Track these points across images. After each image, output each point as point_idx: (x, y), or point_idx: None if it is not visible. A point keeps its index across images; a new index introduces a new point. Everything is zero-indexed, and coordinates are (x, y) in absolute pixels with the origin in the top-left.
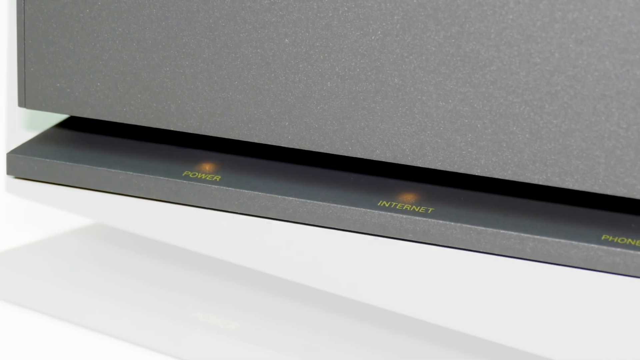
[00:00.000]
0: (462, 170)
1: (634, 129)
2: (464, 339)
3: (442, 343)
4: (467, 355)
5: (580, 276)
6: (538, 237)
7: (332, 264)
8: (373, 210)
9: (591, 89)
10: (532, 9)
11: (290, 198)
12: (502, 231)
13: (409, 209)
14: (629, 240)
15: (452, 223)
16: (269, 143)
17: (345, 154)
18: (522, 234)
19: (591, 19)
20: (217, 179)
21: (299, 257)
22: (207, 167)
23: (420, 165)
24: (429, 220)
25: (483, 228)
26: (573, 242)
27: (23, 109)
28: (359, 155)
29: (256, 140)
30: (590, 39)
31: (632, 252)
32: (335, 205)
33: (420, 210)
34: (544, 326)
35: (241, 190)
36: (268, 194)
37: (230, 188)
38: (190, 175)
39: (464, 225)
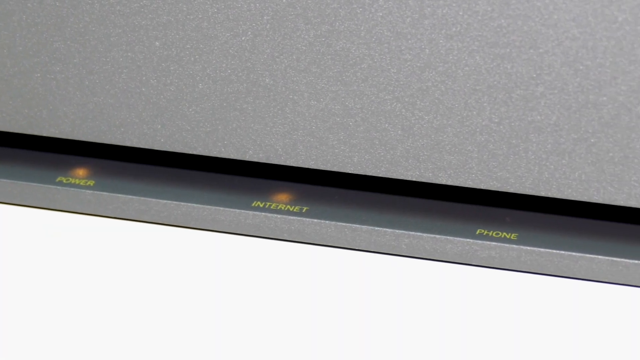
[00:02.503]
0: (335, 169)
1: (506, 123)
2: (342, 337)
3: (318, 343)
4: (340, 355)
5: (457, 271)
6: (413, 233)
7: (208, 266)
8: (247, 211)
9: (462, 84)
10: (402, 5)
11: (165, 201)
12: (377, 228)
13: (283, 208)
14: (504, 233)
15: (327, 222)
16: (142, 146)
17: (218, 155)
18: (397, 231)
19: (461, 14)
20: (91, 184)
21: (173, 260)
22: (81, 172)
23: (293, 165)
24: (304, 219)
25: (358, 226)
26: (448, 237)
27: None
28: (232, 156)
29: (129, 144)
30: (460, 34)
31: (507, 245)
32: (209, 207)
33: (294, 210)
34: (420, 322)
35: (115, 194)
36: (142, 198)
37: (104, 193)
38: (64, 181)
39: (339, 223)
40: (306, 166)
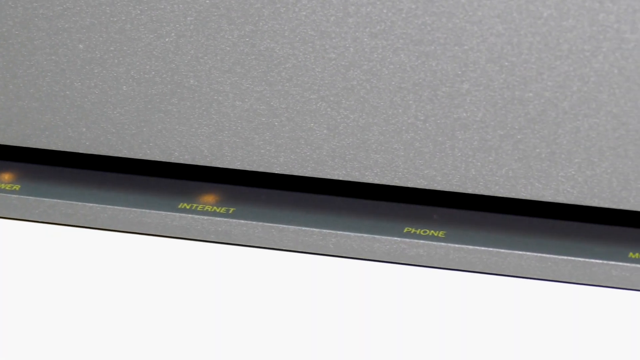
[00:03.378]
0: (261, 169)
1: (432, 121)
2: (270, 338)
3: (246, 343)
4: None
5: (385, 270)
6: (340, 232)
7: (135, 269)
8: (174, 213)
9: (387, 82)
10: (326, 4)
11: (91, 204)
12: (304, 228)
13: (209, 210)
14: (432, 231)
15: (254, 222)
16: (67, 150)
17: (144, 157)
18: (324, 230)
19: (385, 12)
20: (17, 189)
21: (99, 264)
22: (6, 176)
23: (219, 166)
24: (230, 220)
25: (284, 226)
26: (376, 236)
27: None
28: (157, 158)
29: (54, 148)
30: (384, 32)
31: (434, 243)
32: (136, 209)
33: (221, 211)
34: (347, 322)
35: (41, 198)
36: (68, 202)
37: (30, 197)
38: None
39: (266, 224)
40: (232, 167)
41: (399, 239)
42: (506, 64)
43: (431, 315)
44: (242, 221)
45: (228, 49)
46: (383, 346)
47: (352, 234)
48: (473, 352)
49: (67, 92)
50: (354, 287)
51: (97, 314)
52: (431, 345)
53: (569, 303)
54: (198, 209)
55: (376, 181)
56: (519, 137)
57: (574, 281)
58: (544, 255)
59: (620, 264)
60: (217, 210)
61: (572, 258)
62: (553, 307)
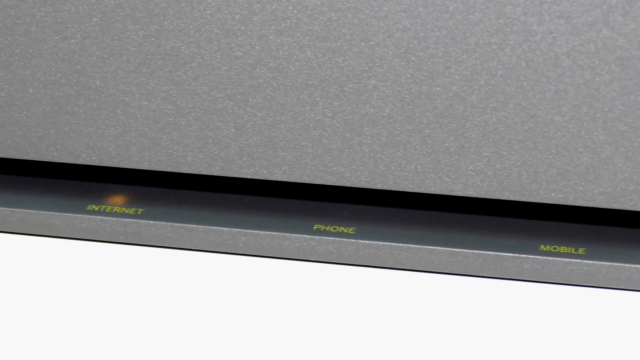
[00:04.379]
0: (169, 169)
1: (339, 117)
2: (185, 337)
3: (158, 344)
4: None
5: (295, 267)
6: (250, 231)
7: (45, 272)
8: (83, 215)
9: (294, 79)
10: (230, 2)
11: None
12: (213, 228)
13: (118, 211)
14: (341, 228)
15: (163, 222)
16: None
17: (51, 160)
18: (234, 229)
19: (290, 9)
20: None
21: (8, 268)
22: None
23: (127, 167)
24: (140, 221)
25: (194, 226)
26: (285, 234)
27: None
28: (64, 160)
29: None
30: (290, 29)
31: (345, 240)
32: (44, 212)
33: (130, 212)
34: (262, 320)
35: None
36: None
37: None
38: None
39: (175, 224)
40: (140, 167)
41: (308, 236)
42: (413, 58)
43: (342, 313)
44: (151, 222)
45: (134, 49)
46: (296, 344)
47: (261, 232)
48: (386, 347)
49: None
50: (265, 286)
51: (6, 317)
52: (344, 341)
53: (481, 297)
54: (107, 210)
55: (284, 179)
56: (427, 131)
57: (485, 275)
58: (454, 249)
59: (532, 256)
60: (126, 212)
61: (483, 252)
62: (464, 301)
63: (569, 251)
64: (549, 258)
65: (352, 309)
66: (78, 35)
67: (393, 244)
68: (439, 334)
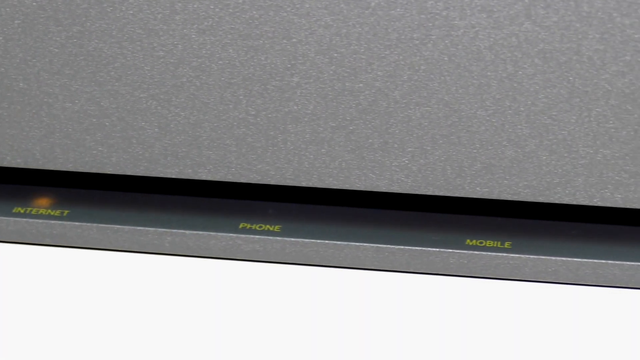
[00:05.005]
0: (94, 170)
1: (263, 115)
2: (114, 337)
3: (91, 345)
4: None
5: (221, 266)
6: (176, 230)
7: None
8: (8, 218)
9: (217, 78)
10: (152, 2)
11: None
12: (139, 228)
13: (44, 213)
14: (267, 226)
15: (89, 224)
16: None
17: None
18: (160, 229)
19: (212, 8)
20: None
21: None
22: None
23: (51, 168)
24: (65, 223)
25: (120, 227)
26: (211, 232)
27: None
28: None
29: None
30: (212, 28)
31: (270, 237)
32: None
33: (55, 214)
34: (189, 319)
35: None
36: None
37: None
38: None
39: (101, 225)
40: (64, 169)
41: (234, 235)
42: (335, 55)
43: (268, 311)
44: (77, 223)
45: (56, 50)
46: (223, 343)
47: (187, 231)
48: (312, 344)
49: None
50: (191, 286)
51: None
52: (269, 339)
53: (407, 293)
54: (32, 212)
55: (209, 178)
56: (351, 128)
57: (411, 270)
58: (380, 245)
59: (458, 251)
60: (52, 213)
61: (409, 247)
62: (391, 297)
63: (495, 245)
64: (475, 252)
65: (279, 307)
66: (0, 38)
67: (319, 241)
68: (364, 330)
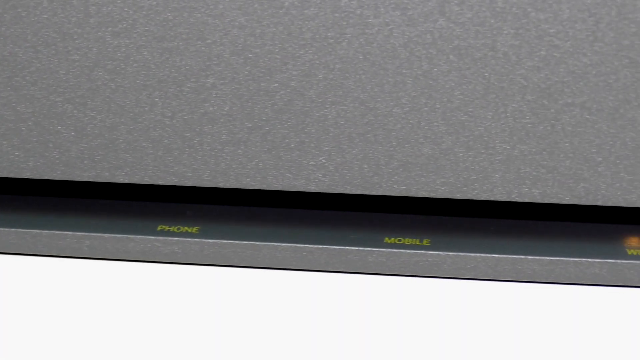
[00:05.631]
0: (11, 175)
1: (179, 117)
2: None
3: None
4: None
5: (140, 269)
6: (94, 234)
7: None
8: None
9: (132, 80)
10: (67, 5)
11: None
12: (57, 232)
13: None
14: (185, 228)
15: (7, 229)
16: None
17: None
18: (78, 233)
19: (126, 11)
20: None
21: None
22: None
23: None
24: None
25: (38, 231)
26: (129, 235)
27: None
28: None
29: None
30: (126, 30)
31: (189, 239)
32: None
33: None
34: (115, 322)
35: None
36: None
37: None
38: None
39: (19, 230)
40: None
41: (153, 237)
42: (250, 55)
43: (190, 313)
44: None
45: None
46: (146, 345)
47: (105, 235)
48: (236, 342)
49: None
50: (111, 289)
51: None
52: (195, 339)
53: (327, 292)
54: None
55: (126, 180)
56: (267, 128)
57: (330, 269)
58: (298, 245)
59: (377, 249)
60: None
61: (328, 246)
62: (309, 297)
63: (413, 242)
64: (394, 250)
65: (198, 308)
66: None
67: (237, 241)
68: (283, 330)
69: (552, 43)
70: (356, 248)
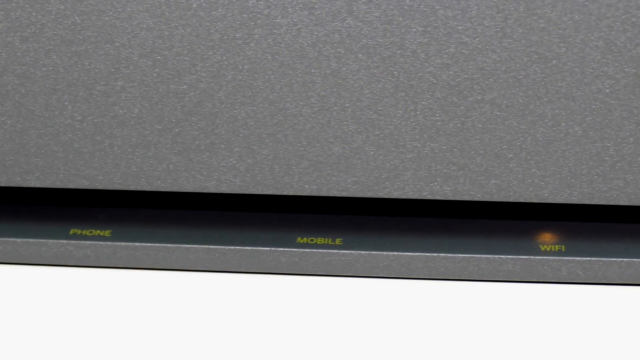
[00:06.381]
0: None
1: (89, 120)
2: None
3: None
4: None
5: (53, 273)
6: (6, 239)
7: None
8: None
9: (41, 84)
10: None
11: None
12: None
13: None
14: (98, 231)
15: None
16: None
17: None
18: None
19: (34, 15)
20: None
21: None
22: None
23: None
24: None
25: None
26: (42, 240)
27: None
28: None
29: None
30: (35, 35)
31: (101, 243)
32: None
33: None
34: (27, 330)
35: None
36: None
37: None
38: None
39: None
40: None
41: (65, 241)
42: (159, 58)
43: (107, 316)
44: None
45: None
46: (75, 349)
47: (18, 239)
48: (153, 344)
49: None
50: (25, 294)
51: None
52: (114, 343)
53: (239, 293)
54: None
55: (38, 185)
56: (177, 130)
57: (243, 270)
58: (211, 246)
59: (289, 249)
60: None
61: (240, 247)
62: (225, 298)
63: (326, 242)
64: (307, 250)
65: (114, 311)
66: None
67: (149, 244)
68: (198, 331)
69: (461, 40)
70: (269, 249)
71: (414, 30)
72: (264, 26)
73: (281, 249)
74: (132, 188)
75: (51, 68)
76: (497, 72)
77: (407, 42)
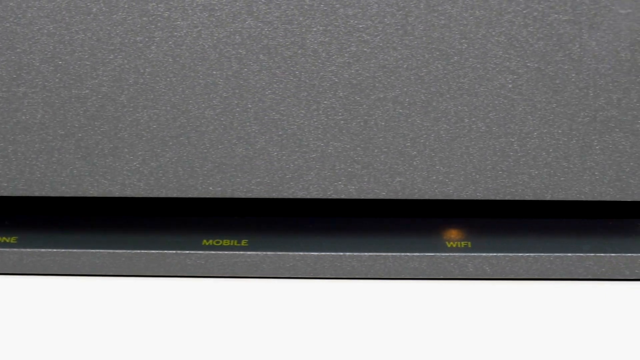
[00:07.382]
0: None
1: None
2: None
3: None
4: None
5: None
6: None
7: None
8: None
9: None
10: None
11: None
12: None
13: None
14: (3, 238)
15: None
16: None
17: None
18: None
19: None
20: None
21: None
22: None
23: None
24: None
25: None
26: None
27: None
28: None
29: None
30: None
31: (7, 250)
32: None
33: None
34: None
35: None
36: None
37: None
38: None
39: None
40: None
41: None
42: (60, 62)
43: (9, 322)
44: None
45: None
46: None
47: None
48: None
49: None
50: None
51: None
52: (23, 348)
53: (148, 298)
54: None
55: None
56: (80, 135)
57: (150, 274)
58: (116, 251)
59: (195, 252)
60: None
61: (146, 251)
62: (130, 302)
63: (232, 244)
64: (212, 252)
65: (21, 318)
66: None
67: (55, 250)
68: (108, 336)
69: (362, 38)
70: (174, 252)
71: (314, 29)
72: (165, 29)
73: (187, 251)
74: (36, 194)
75: None
76: (399, 69)
77: (307, 41)
